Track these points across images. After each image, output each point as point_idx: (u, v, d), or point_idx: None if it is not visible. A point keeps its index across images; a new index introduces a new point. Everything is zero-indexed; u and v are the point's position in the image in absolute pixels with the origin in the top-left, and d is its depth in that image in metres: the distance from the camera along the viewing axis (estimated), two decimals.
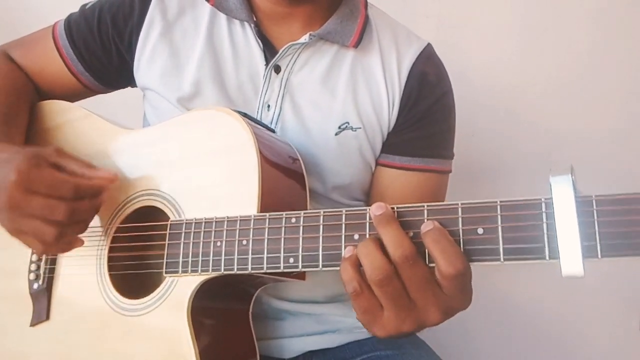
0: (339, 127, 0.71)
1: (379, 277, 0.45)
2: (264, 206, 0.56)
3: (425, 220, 0.46)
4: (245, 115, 0.62)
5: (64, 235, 0.57)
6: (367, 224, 0.48)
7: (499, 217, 0.43)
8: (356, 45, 0.72)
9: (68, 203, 0.55)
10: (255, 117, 0.71)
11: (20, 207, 0.55)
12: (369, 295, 0.47)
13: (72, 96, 0.80)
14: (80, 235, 0.67)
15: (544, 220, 0.42)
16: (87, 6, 0.78)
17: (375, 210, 0.46)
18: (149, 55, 0.73)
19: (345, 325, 0.77)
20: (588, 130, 1.16)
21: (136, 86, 0.78)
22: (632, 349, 1.15)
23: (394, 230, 0.45)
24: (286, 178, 0.63)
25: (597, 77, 1.16)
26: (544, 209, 0.42)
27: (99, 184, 0.59)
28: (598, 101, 1.16)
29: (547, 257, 0.41)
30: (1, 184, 0.55)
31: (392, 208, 0.48)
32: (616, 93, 1.16)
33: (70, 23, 0.77)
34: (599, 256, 0.39)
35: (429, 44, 0.76)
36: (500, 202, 0.43)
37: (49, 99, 0.78)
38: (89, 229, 0.67)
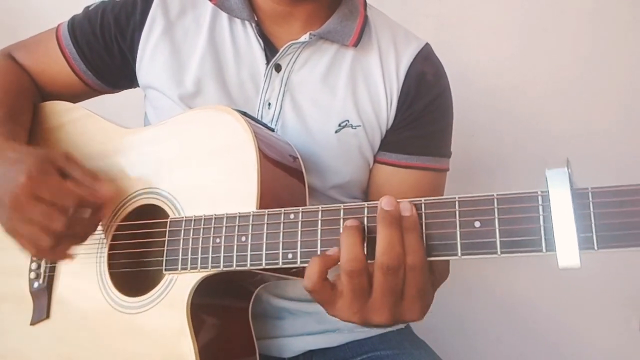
0: (339, 125, 0.72)
1: (351, 269, 0.46)
2: (263, 204, 0.57)
3: (424, 213, 0.46)
4: (245, 114, 0.62)
5: (59, 245, 0.58)
6: (365, 218, 0.49)
7: (496, 210, 0.43)
8: (356, 44, 0.72)
9: (68, 215, 0.56)
10: (255, 115, 0.72)
11: (22, 210, 0.56)
12: (328, 284, 0.48)
13: (75, 96, 0.81)
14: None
15: (540, 212, 0.42)
16: (91, 7, 0.79)
17: (384, 204, 0.46)
18: (150, 53, 0.74)
19: (345, 324, 0.76)
20: (587, 130, 1.16)
21: (138, 86, 0.79)
22: (632, 349, 1.14)
23: (391, 235, 0.45)
24: (285, 176, 0.64)
25: (597, 77, 1.16)
26: (540, 202, 0.42)
27: (101, 198, 0.60)
28: (597, 101, 1.16)
29: (544, 250, 0.41)
30: (9, 183, 0.56)
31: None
32: (615, 93, 1.16)
33: (74, 24, 0.79)
34: (595, 247, 0.39)
35: (427, 44, 0.77)
36: (497, 195, 0.44)
37: (51, 99, 0.79)
38: None
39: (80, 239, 0.60)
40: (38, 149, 0.61)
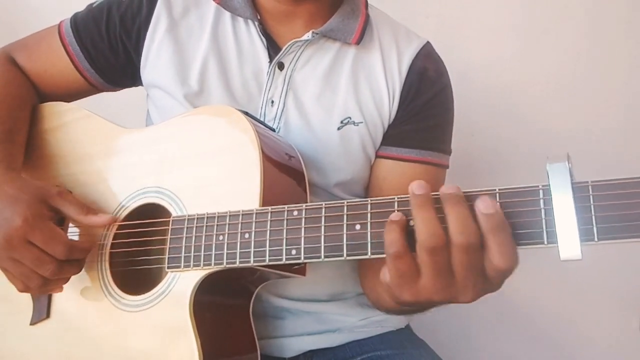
0: (341, 122, 0.72)
1: (433, 245, 0.44)
2: (265, 203, 0.57)
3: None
4: (247, 114, 0.63)
5: (47, 285, 0.61)
6: (369, 214, 0.49)
7: (498, 204, 0.44)
8: (358, 42, 0.73)
9: (57, 262, 0.59)
10: (259, 113, 0.72)
11: (13, 251, 0.58)
12: (409, 259, 0.46)
13: (76, 94, 0.81)
14: (81, 232, 0.68)
15: (542, 206, 0.43)
16: (94, 5, 0.79)
17: (445, 188, 0.45)
18: (155, 52, 0.74)
19: (345, 324, 0.77)
20: (587, 130, 1.17)
21: (141, 85, 0.79)
22: (632, 349, 1.15)
23: (463, 213, 0.44)
24: (287, 176, 0.64)
25: (597, 77, 1.17)
26: (541, 196, 0.43)
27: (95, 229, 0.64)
28: (597, 101, 1.17)
29: (546, 242, 0.42)
30: (4, 222, 0.58)
31: (393, 199, 0.48)
32: (615, 93, 1.17)
33: (77, 21, 0.78)
34: (596, 239, 0.40)
35: (428, 42, 0.78)
36: (499, 190, 0.45)
37: (51, 100, 0.79)
38: (90, 227, 0.68)
39: (66, 280, 0.63)
40: (34, 183, 0.64)
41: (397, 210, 0.48)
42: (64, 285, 0.66)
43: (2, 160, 0.66)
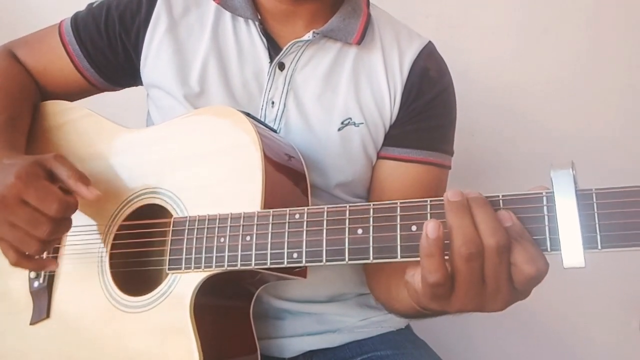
0: (342, 123, 0.72)
1: (471, 251, 0.43)
2: (267, 205, 0.57)
3: (429, 214, 0.46)
4: (248, 114, 0.63)
5: (45, 246, 0.58)
6: (371, 218, 0.49)
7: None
8: (359, 42, 0.73)
9: (53, 222, 0.56)
10: (259, 113, 0.72)
11: (8, 211, 0.56)
12: (449, 285, 0.45)
13: (76, 94, 0.81)
14: (82, 232, 0.68)
15: (545, 213, 0.43)
16: (95, 4, 0.79)
17: (468, 193, 0.44)
18: (155, 51, 0.74)
19: (345, 324, 0.77)
20: (588, 130, 1.17)
21: (141, 84, 0.79)
22: (632, 349, 1.15)
23: (492, 215, 0.44)
24: (289, 177, 0.64)
25: (597, 77, 1.17)
26: (545, 202, 0.43)
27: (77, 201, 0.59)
28: (597, 100, 1.17)
29: (549, 249, 0.42)
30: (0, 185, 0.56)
31: (395, 203, 0.48)
32: (615, 92, 1.17)
33: (77, 20, 0.78)
34: (599, 247, 0.40)
35: (430, 42, 0.77)
36: (502, 196, 0.45)
37: (52, 98, 0.79)
38: (91, 227, 0.68)
39: (53, 245, 0.61)
40: (31, 155, 0.62)
41: (401, 215, 0.47)
42: (62, 286, 0.67)
43: (3, 142, 0.66)
